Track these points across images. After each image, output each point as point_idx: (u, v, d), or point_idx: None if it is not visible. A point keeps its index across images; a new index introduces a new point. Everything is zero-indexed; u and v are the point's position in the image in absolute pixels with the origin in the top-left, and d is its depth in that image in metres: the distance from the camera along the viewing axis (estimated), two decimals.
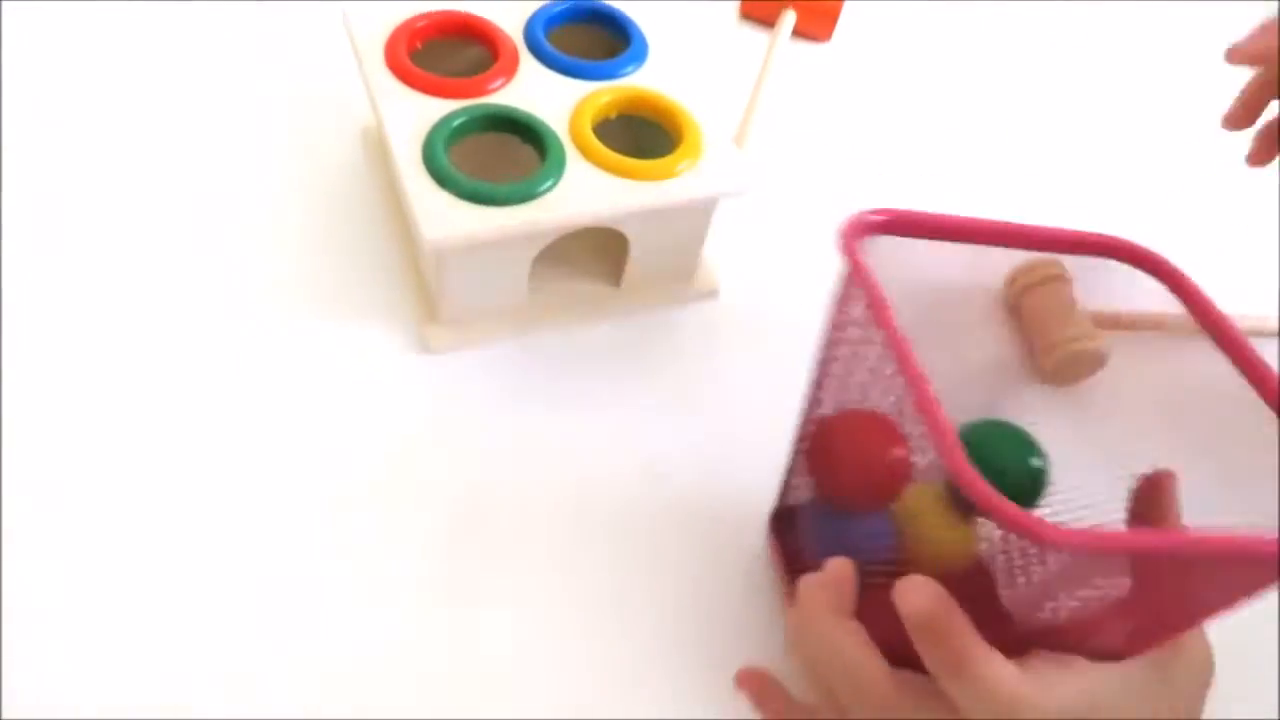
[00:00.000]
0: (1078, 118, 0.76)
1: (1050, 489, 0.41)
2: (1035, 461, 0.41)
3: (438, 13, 0.54)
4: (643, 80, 0.54)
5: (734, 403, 0.54)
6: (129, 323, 0.50)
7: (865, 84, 0.74)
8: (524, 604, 0.45)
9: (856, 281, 0.36)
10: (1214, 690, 0.38)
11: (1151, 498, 0.38)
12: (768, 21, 0.75)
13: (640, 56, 0.55)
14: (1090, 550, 0.28)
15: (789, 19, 0.73)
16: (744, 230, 0.62)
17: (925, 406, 0.31)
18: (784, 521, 0.48)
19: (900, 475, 0.40)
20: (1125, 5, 0.88)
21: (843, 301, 0.39)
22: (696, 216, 0.53)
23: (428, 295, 0.53)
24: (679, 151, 0.50)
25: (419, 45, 0.53)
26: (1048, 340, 0.56)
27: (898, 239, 0.41)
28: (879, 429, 0.40)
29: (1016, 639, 0.35)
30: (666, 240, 0.54)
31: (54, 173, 0.56)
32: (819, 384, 0.42)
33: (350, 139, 0.61)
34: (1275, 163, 0.57)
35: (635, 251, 0.53)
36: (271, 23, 0.67)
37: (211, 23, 0.66)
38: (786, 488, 0.47)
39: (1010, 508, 0.28)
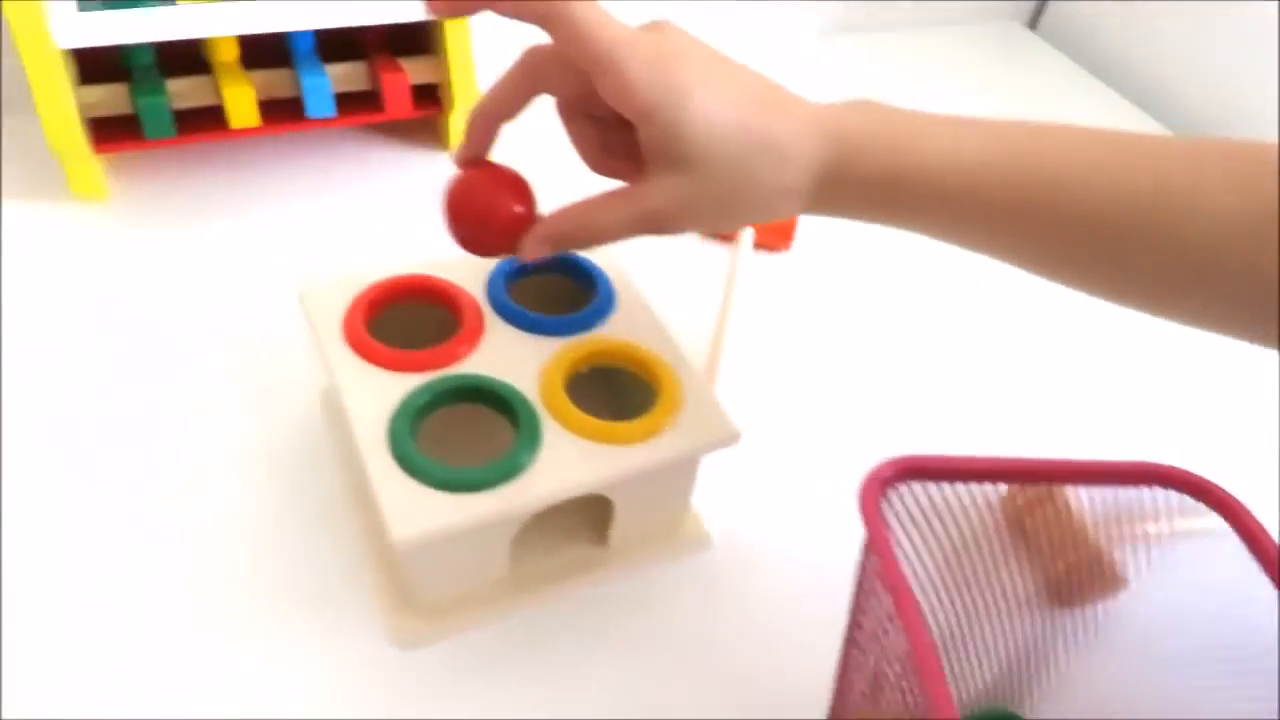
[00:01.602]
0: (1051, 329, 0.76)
1: None
2: None
3: (395, 279, 0.52)
4: (613, 329, 0.52)
5: (739, 651, 0.50)
6: (68, 617, 0.45)
7: (829, 291, 0.73)
8: None
9: (872, 544, 0.35)
10: None
11: None
12: (729, 238, 0.75)
13: (608, 303, 0.53)
14: None
15: (748, 234, 0.72)
16: (732, 468, 0.59)
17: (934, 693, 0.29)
18: None
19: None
20: None
21: (865, 558, 0.38)
22: (683, 470, 0.50)
23: (397, 582, 0.49)
24: (658, 408, 0.48)
25: (378, 314, 0.51)
26: (1058, 563, 0.53)
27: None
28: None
29: None
30: (654, 497, 0.50)
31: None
32: (851, 640, 0.39)
33: (309, 399, 0.58)
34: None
35: (620, 513, 0.50)
36: (215, 275, 0.65)
37: (153, 289, 0.64)
38: None
39: None
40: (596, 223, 0.42)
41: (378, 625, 0.48)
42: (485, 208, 0.44)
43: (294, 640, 0.47)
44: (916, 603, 0.33)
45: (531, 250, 0.44)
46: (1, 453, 0.53)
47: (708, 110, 0.38)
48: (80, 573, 0.48)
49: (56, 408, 0.56)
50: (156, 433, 0.55)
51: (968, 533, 0.43)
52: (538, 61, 0.41)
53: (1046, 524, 0.55)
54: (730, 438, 0.48)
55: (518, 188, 0.45)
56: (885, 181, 0.40)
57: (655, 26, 0.40)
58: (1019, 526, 0.56)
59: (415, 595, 0.47)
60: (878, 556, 0.34)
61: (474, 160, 0.45)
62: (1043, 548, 0.54)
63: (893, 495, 0.38)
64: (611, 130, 0.44)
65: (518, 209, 0.44)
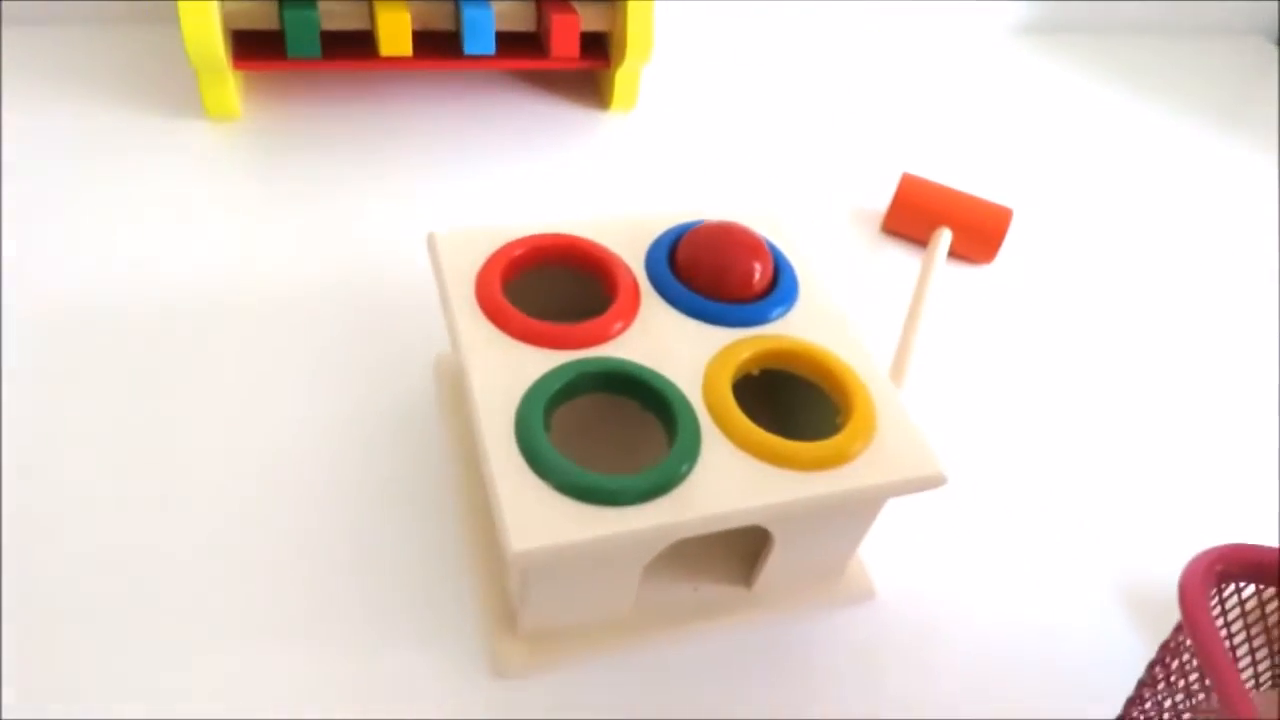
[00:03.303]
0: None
1: None
2: None
3: (540, 237, 0.44)
4: (794, 327, 0.43)
5: None
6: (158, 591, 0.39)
7: (1037, 315, 0.62)
8: None
9: (1196, 642, 0.30)
10: None
11: None
12: (912, 237, 0.65)
13: (789, 294, 0.44)
14: None
15: (944, 238, 0.62)
16: (907, 509, 0.49)
17: None
18: None
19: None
20: None
21: (1173, 651, 0.34)
22: (865, 510, 0.40)
23: (503, 598, 0.41)
24: (848, 430, 0.38)
25: (516, 276, 0.43)
26: None
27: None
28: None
29: None
30: (822, 537, 0.41)
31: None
32: None
33: (420, 369, 0.51)
34: None
35: (778, 551, 0.40)
36: (331, 224, 0.58)
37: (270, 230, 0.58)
38: None
39: None
40: None
41: (474, 645, 0.40)
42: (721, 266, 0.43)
43: (373, 648, 0.40)
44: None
45: None
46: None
47: None
48: (131, 541, 0.42)
49: (140, 336, 0.50)
50: (240, 383, 0.49)
51: None
52: None
53: None
54: (933, 479, 0.38)
55: (753, 247, 0.43)
56: None
57: None
58: None
59: (522, 617, 0.39)
60: (1212, 674, 0.29)
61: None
62: None
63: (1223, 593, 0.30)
64: None
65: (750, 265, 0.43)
